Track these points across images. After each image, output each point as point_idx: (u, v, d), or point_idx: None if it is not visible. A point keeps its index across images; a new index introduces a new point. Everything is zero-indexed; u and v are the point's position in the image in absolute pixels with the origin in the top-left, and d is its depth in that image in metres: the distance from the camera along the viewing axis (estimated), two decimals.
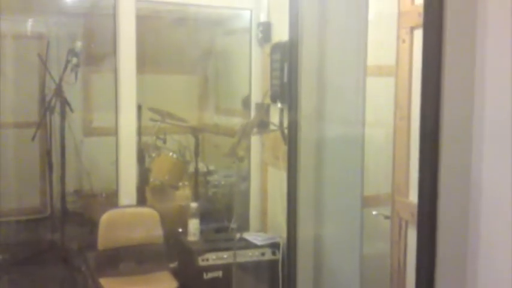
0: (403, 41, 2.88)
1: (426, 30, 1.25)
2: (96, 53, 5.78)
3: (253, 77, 4.68)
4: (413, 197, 2.63)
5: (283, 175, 3.05)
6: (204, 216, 4.52)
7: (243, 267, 4.05)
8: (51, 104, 4.93)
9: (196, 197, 4.82)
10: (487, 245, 1.18)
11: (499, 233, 1.17)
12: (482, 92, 1.13)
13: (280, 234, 4.18)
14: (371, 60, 3.45)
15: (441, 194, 1.22)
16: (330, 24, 2.01)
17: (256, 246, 4.16)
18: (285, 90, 3.82)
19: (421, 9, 1.43)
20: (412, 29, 2.81)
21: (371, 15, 3.71)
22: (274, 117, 4.33)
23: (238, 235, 4.25)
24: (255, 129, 4.49)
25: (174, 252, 4.28)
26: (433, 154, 1.23)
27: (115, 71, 4.25)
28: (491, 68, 1.13)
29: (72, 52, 4.82)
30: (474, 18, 1.13)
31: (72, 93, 5.14)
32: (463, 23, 1.17)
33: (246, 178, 4.79)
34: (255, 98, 4.67)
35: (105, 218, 3.85)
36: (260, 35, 4.53)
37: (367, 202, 3.54)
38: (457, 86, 1.19)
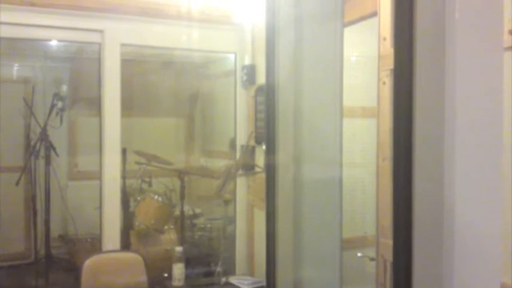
0: (384, 83, 2.90)
1: (397, 72, 1.27)
2: (82, 97, 5.80)
3: (238, 119, 4.67)
4: None
5: None
6: (190, 260, 4.46)
7: None
8: (36, 148, 4.90)
9: (182, 240, 4.76)
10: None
11: (473, 273, 1.16)
12: (452, 130, 1.15)
13: None
14: (356, 102, 3.47)
15: (415, 233, 1.22)
16: (306, 67, 2.04)
17: None
18: None
19: None
20: (391, 71, 2.83)
21: (353, 58, 3.77)
22: (260, 159, 4.33)
23: (223, 279, 4.20)
24: (240, 171, 4.48)
25: None
26: (406, 194, 1.23)
27: (100, 115, 4.26)
28: (461, 109, 1.15)
29: (57, 96, 4.82)
30: (443, 59, 1.15)
31: (57, 137, 5.13)
32: (431, 65, 1.18)
33: (232, 221, 4.75)
34: (240, 140, 4.66)
35: (88, 263, 3.78)
36: (245, 78, 4.54)
37: (353, 244, 3.52)
38: (427, 126, 1.20)
